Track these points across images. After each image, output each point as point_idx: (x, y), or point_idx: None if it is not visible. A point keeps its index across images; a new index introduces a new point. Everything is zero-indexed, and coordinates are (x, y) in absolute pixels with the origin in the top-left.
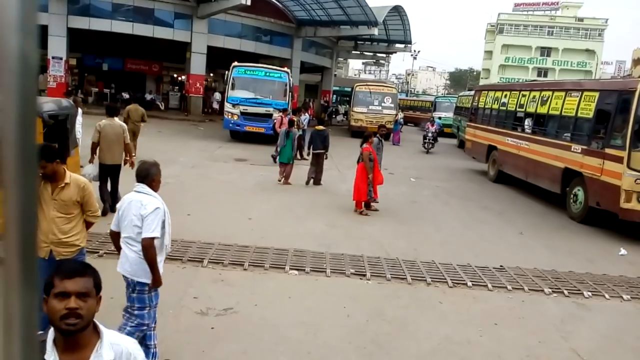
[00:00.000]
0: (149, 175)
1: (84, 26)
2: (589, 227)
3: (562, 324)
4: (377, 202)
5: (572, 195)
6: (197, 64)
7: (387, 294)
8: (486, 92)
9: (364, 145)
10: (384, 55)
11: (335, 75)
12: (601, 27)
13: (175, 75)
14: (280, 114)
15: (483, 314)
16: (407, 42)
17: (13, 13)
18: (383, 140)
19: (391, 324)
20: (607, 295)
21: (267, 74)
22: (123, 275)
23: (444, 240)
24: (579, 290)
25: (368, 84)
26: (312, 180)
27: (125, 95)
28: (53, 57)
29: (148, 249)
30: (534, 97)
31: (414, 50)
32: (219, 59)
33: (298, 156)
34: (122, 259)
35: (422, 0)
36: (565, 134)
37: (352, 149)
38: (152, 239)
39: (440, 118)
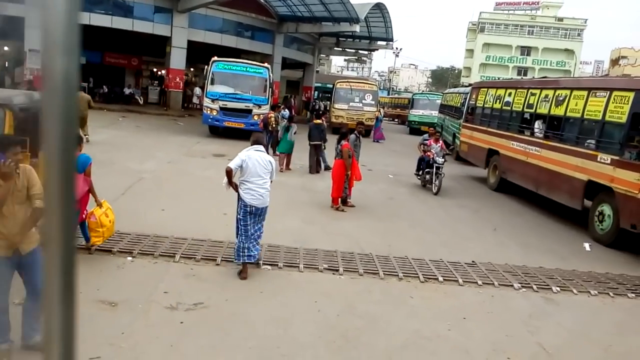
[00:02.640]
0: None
1: None
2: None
3: (529, 319)
4: (349, 199)
5: (596, 214)
6: (177, 58)
7: (359, 289)
8: (486, 89)
9: (343, 142)
10: (366, 52)
11: (317, 71)
12: (580, 27)
13: (155, 70)
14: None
15: (453, 309)
16: (388, 39)
17: (59, 34)
18: (361, 137)
19: (362, 318)
20: (575, 291)
21: (247, 69)
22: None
23: (420, 237)
24: (548, 285)
25: (349, 80)
26: (319, 167)
27: (105, 89)
28: (30, 50)
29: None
30: (546, 96)
31: (396, 48)
32: (199, 54)
33: (277, 153)
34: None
35: None
36: (588, 141)
37: (333, 145)
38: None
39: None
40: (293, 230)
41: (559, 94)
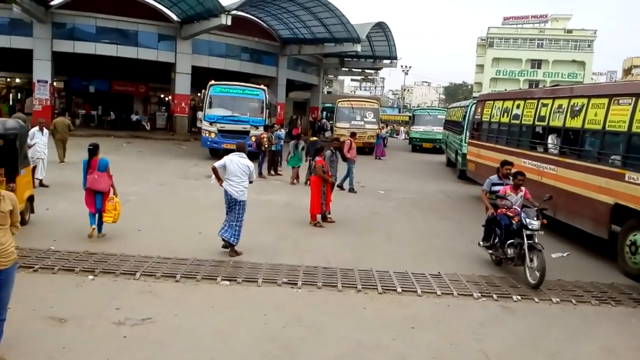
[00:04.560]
0: None
1: (68, 49)
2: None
3: (480, 327)
4: (329, 215)
5: (628, 244)
6: (182, 84)
7: (314, 302)
8: (492, 102)
9: (317, 158)
10: (373, 71)
11: (330, 92)
12: (590, 39)
13: (162, 96)
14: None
15: (403, 319)
16: (392, 57)
17: None
18: (337, 153)
19: (307, 329)
20: (536, 299)
21: (244, 91)
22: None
23: (393, 250)
24: (509, 294)
25: (350, 100)
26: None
27: (112, 116)
28: (38, 81)
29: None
30: (559, 106)
31: (405, 66)
32: (205, 79)
33: (272, 171)
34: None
35: (416, 17)
36: (612, 157)
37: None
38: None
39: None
40: (264, 247)
41: (574, 104)
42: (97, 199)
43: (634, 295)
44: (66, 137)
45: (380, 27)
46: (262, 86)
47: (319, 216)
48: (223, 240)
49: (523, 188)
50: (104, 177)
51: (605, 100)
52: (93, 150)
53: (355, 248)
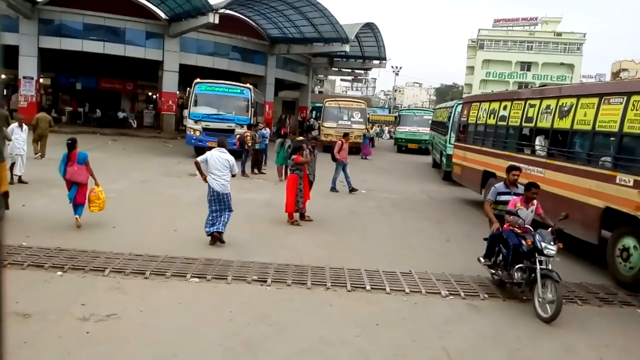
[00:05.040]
0: None
1: (55, 46)
2: None
3: (444, 325)
4: (306, 213)
5: (619, 250)
6: (169, 81)
7: (281, 299)
8: (478, 103)
9: (294, 157)
10: (362, 71)
11: (321, 92)
12: (579, 42)
13: (150, 94)
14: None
15: (369, 316)
16: (381, 58)
17: None
18: (315, 152)
19: (271, 326)
20: (503, 298)
21: (229, 90)
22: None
23: (368, 249)
24: (477, 292)
25: (338, 99)
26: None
27: (98, 113)
28: (24, 77)
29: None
30: (547, 107)
31: (395, 67)
32: (193, 77)
33: (255, 170)
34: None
35: (408, 18)
36: (603, 158)
37: (317, 163)
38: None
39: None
40: (238, 244)
41: (562, 104)
42: (72, 190)
43: (601, 294)
44: (46, 133)
45: (370, 27)
46: (247, 85)
47: (296, 215)
48: (209, 236)
49: (535, 202)
50: (82, 169)
51: (595, 100)
52: (71, 144)
53: (330, 246)
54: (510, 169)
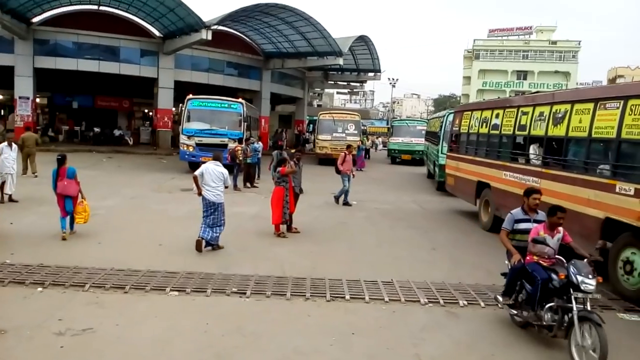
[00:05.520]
0: None
1: (50, 66)
2: None
3: (420, 332)
4: (293, 225)
5: (621, 262)
6: (165, 98)
7: (259, 310)
8: (470, 112)
9: (279, 169)
10: (358, 84)
11: (320, 105)
12: (575, 49)
13: (146, 111)
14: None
15: (345, 325)
16: (376, 70)
17: None
18: (300, 164)
19: (246, 337)
20: (482, 304)
21: (222, 105)
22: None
23: (352, 259)
24: (456, 299)
25: (332, 112)
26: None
27: (97, 130)
28: (20, 97)
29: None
30: (540, 114)
31: (392, 78)
32: (188, 93)
33: (248, 184)
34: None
35: (404, 30)
36: (601, 166)
37: (311, 175)
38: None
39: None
40: (221, 258)
41: (556, 110)
42: (67, 203)
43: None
44: (33, 151)
45: (363, 40)
46: (239, 99)
47: (283, 227)
48: (202, 239)
49: (561, 228)
50: (72, 183)
51: (591, 105)
52: (61, 160)
53: (313, 257)
54: (529, 193)
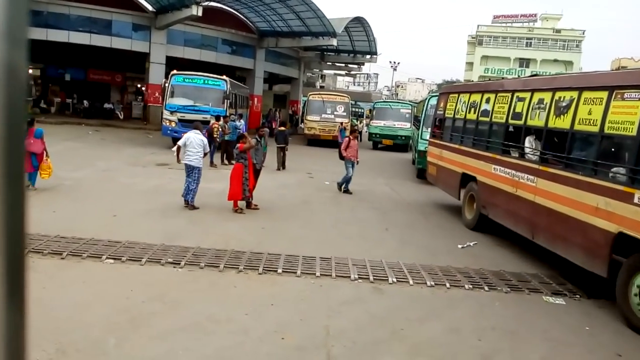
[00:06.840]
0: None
1: (41, 37)
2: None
3: (339, 306)
4: (252, 201)
5: (636, 289)
6: (156, 73)
7: (188, 280)
8: (456, 94)
9: (238, 145)
10: (356, 66)
11: (322, 87)
12: (579, 39)
13: (139, 85)
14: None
15: (267, 297)
16: (372, 52)
17: (1, 23)
18: (262, 141)
19: (165, 304)
20: (411, 282)
21: (206, 81)
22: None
23: (301, 236)
24: (387, 277)
25: (321, 93)
26: (281, 167)
27: (85, 104)
28: None
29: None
30: (540, 101)
31: (394, 62)
32: (181, 69)
33: (225, 161)
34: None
35: (410, 13)
36: (614, 169)
37: (297, 155)
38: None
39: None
40: (171, 230)
41: (560, 98)
42: (33, 159)
43: (514, 281)
44: None
45: (359, 22)
46: (223, 76)
47: (242, 203)
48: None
49: None
50: (37, 142)
51: (604, 94)
52: (30, 122)
53: (262, 233)
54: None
